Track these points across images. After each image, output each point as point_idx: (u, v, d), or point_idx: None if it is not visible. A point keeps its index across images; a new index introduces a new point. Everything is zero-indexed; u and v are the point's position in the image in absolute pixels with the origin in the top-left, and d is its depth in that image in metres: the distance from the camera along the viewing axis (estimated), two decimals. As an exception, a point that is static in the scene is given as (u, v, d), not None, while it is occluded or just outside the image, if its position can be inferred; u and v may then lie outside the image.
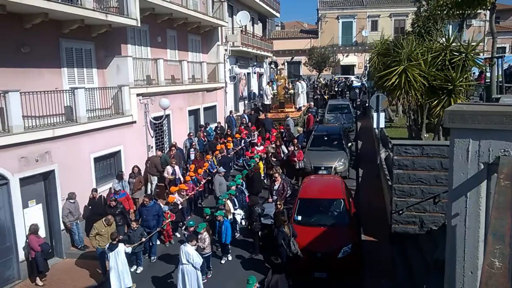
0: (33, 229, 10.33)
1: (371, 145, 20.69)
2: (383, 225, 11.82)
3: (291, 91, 26.23)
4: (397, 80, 12.52)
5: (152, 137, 16.36)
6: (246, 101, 29.05)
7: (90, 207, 12.20)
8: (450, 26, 29.32)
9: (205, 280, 9.99)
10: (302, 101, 25.53)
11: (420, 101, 13.47)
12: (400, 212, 10.75)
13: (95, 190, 12.29)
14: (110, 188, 13.20)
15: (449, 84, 12.08)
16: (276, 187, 13.09)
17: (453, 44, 12.63)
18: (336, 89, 36.10)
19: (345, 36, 48.02)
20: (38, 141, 10.78)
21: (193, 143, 17.37)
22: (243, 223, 12.57)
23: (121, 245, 9.56)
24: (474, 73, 16.52)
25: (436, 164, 10.28)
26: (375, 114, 16.56)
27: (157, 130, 16.97)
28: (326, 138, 18.19)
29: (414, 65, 12.45)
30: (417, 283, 8.62)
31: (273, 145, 17.57)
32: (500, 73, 16.41)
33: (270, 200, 12.90)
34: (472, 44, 12.47)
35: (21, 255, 10.50)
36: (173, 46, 19.41)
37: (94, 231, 10.32)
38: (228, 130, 20.73)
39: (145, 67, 16.30)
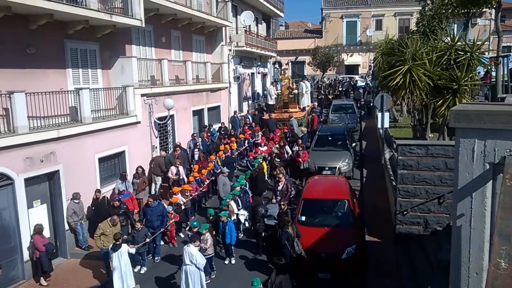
0: (38, 229, 10.37)
1: (375, 145, 20.62)
2: (387, 226, 11.78)
3: (295, 91, 26.21)
4: (402, 80, 12.47)
5: (156, 137, 16.40)
6: (250, 101, 29.05)
7: (93, 208, 12.23)
8: (455, 25, 29.21)
9: (209, 281, 9.99)
10: (306, 101, 25.50)
11: (425, 100, 13.41)
12: (405, 212, 10.70)
13: (98, 191, 12.32)
14: (114, 189, 13.23)
15: (454, 84, 12.01)
16: (280, 187, 13.07)
17: (458, 43, 12.55)
18: (340, 89, 36.03)
19: (350, 35, 47.88)
20: (43, 142, 10.82)
21: (197, 144, 17.38)
22: (247, 224, 12.55)
23: (124, 246, 9.58)
24: (479, 72, 16.41)
25: (441, 164, 10.23)
26: (379, 114, 16.50)
27: (161, 131, 17.00)
28: (330, 138, 18.15)
29: (419, 64, 12.39)
30: (421, 284, 8.57)
31: (277, 146, 17.54)
32: (505, 72, 16.30)
33: (274, 200, 12.87)
34: (478, 43, 12.39)
35: (26, 255, 10.55)
36: (177, 46, 19.44)
37: (99, 231, 10.35)
38: (232, 131, 20.73)
39: (150, 68, 16.33)
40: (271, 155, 16.59)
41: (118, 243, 9.51)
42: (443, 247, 8.38)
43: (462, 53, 12.27)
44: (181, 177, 14.63)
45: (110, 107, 13.85)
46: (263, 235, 11.45)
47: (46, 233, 11.01)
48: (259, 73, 32.15)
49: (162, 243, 11.96)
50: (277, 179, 13.41)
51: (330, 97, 32.17)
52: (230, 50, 24.05)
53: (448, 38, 13.28)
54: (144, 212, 11.66)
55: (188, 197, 12.99)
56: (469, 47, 12.24)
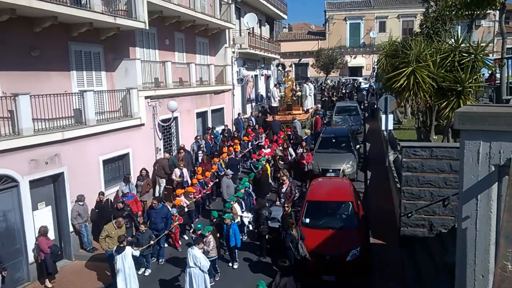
0: (43, 231, 10.41)
1: (379, 147, 20.56)
2: (391, 228, 11.73)
3: (299, 93, 26.19)
4: (406, 82, 12.43)
5: (160, 139, 16.43)
6: (254, 104, 29.07)
7: (96, 210, 12.25)
8: (459, 27, 29.08)
9: (213, 283, 9.99)
10: (309, 103, 25.48)
11: (429, 102, 13.36)
12: (409, 214, 10.66)
13: (102, 193, 12.35)
14: (118, 191, 13.24)
15: (458, 86, 11.97)
16: (283, 190, 13.05)
17: (462, 45, 12.51)
18: (344, 91, 35.99)
19: (353, 37, 47.88)
20: (48, 144, 10.87)
21: (201, 146, 17.39)
22: (251, 227, 12.52)
23: (128, 248, 9.58)
24: (483, 74, 16.37)
25: (445, 166, 10.19)
26: (383, 116, 16.47)
27: (165, 133, 17.03)
28: (334, 140, 18.11)
29: (422, 66, 12.36)
30: (426, 286, 8.54)
31: (281, 148, 17.52)
32: (510, 74, 16.25)
33: (278, 203, 12.85)
34: (482, 45, 12.35)
35: (31, 257, 10.59)
36: (181, 48, 19.49)
37: (104, 233, 10.36)
38: (235, 133, 20.72)
39: (153, 70, 16.37)
40: (275, 157, 16.56)
41: (122, 245, 9.52)
42: (449, 250, 8.34)
43: (466, 55, 12.23)
44: (185, 179, 14.64)
45: (114, 109, 13.90)
46: (266, 237, 11.42)
47: (51, 235, 11.05)
48: (262, 75, 32.17)
49: (166, 245, 11.95)
50: (281, 181, 13.39)
51: (334, 99, 32.11)
52: (233, 52, 24.09)
53: (452, 40, 13.22)
54: (149, 214, 11.66)
55: (191, 200, 12.99)
56: (473, 48, 12.20)
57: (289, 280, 8.09)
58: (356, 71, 48.14)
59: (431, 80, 12.28)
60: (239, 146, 18.16)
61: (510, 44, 33.11)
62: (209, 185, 14.55)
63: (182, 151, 16.07)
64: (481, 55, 12.15)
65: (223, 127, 21.30)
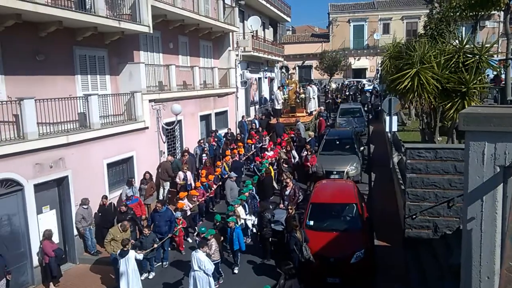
0: (47, 235, 10.44)
1: (383, 149, 20.51)
2: (396, 230, 11.69)
3: (302, 95, 26.19)
4: (410, 83, 12.41)
5: (164, 142, 16.46)
6: (257, 106, 29.09)
7: (100, 214, 12.27)
8: (463, 28, 29.08)
9: (217, 286, 9.96)
10: (313, 105, 25.46)
11: (433, 104, 13.33)
12: (414, 216, 10.62)
13: (105, 197, 12.36)
14: (121, 194, 13.27)
15: (463, 87, 11.94)
16: (287, 192, 13.02)
17: (467, 46, 12.48)
18: (347, 93, 35.95)
19: (357, 39, 47.84)
20: (52, 148, 10.91)
21: (205, 149, 17.41)
22: (254, 230, 12.48)
23: (131, 252, 9.58)
24: (488, 75, 16.30)
25: (450, 167, 10.15)
26: (387, 118, 16.44)
27: (169, 136, 17.07)
28: (338, 142, 18.10)
29: (427, 67, 12.33)
30: (431, 288, 8.49)
31: (284, 150, 17.50)
32: (515, 74, 16.15)
33: (282, 206, 12.82)
34: (486, 45, 12.31)
35: (35, 261, 10.61)
36: (185, 52, 19.56)
37: (110, 237, 10.36)
38: (239, 135, 20.71)
39: (157, 73, 16.44)
40: (279, 160, 16.55)
41: (125, 249, 9.52)
42: (453, 251, 8.30)
43: (471, 56, 12.19)
44: (188, 182, 14.65)
45: (118, 112, 13.95)
46: (270, 240, 11.39)
47: (55, 238, 11.08)
48: (266, 77, 32.21)
49: (169, 248, 11.93)
50: (284, 184, 13.37)
51: (338, 101, 32.09)
52: (237, 55, 24.14)
53: (457, 41, 13.20)
54: (152, 217, 11.68)
55: (195, 203, 12.99)
56: (477, 49, 12.16)
57: (294, 282, 8.06)
58: (360, 73, 48.08)
59: (435, 82, 12.26)
60: (243, 149, 18.15)
61: (514, 45, 32.88)
62: (213, 188, 14.54)
63: (186, 154, 16.10)
64: (486, 56, 12.11)
65: (226, 130, 21.30)
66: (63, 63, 12.35)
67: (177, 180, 14.77)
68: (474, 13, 18.98)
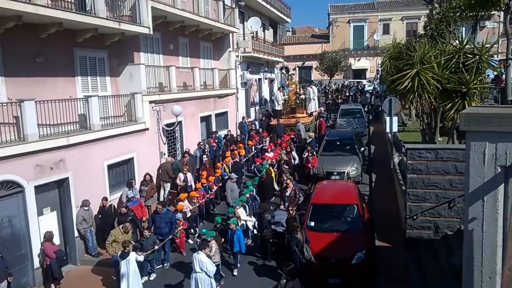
0: (48, 236, 10.44)
1: (384, 150, 20.50)
2: (397, 231, 11.68)
3: (302, 96, 26.18)
4: (410, 84, 12.42)
5: (165, 144, 16.46)
6: (257, 107, 29.10)
7: (100, 216, 12.25)
8: (463, 28, 29.10)
9: (218, 287, 9.95)
10: (313, 106, 25.45)
11: (434, 104, 13.33)
12: (415, 217, 10.61)
13: (105, 198, 12.34)
14: (121, 196, 13.26)
15: (463, 87, 11.94)
16: (287, 193, 13.00)
17: (467, 46, 12.49)
18: (347, 94, 35.96)
19: (357, 40, 47.86)
20: (53, 149, 10.92)
21: (206, 150, 17.40)
22: (255, 231, 12.47)
23: (132, 254, 9.57)
24: (488, 75, 16.30)
25: (450, 168, 10.14)
26: (388, 118, 16.43)
27: (170, 137, 17.07)
28: (338, 143, 18.09)
29: (427, 68, 12.34)
30: (433, 289, 8.48)
31: (284, 151, 17.49)
32: (515, 75, 16.17)
33: (282, 207, 12.81)
34: (486, 46, 12.31)
35: (36, 262, 10.61)
36: (185, 53, 19.56)
37: (111, 238, 10.35)
38: (239, 137, 20.69)
39: (158, 75, 16.45)
40: (279, 161, 16.53)
41: (126, 250, 9.52)
42: (454, 252, 8.29)
43: (471, 56, 12.20)
44: (189, 184, 14.64)
45: (118, 114, 13.95)
46: (271, 241, 11.38)
47: (56, 240, 11.07)
48: (266, 78, 32.21)
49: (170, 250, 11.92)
50: (285, 185, 13.35)
51: (339, 101, 32.09)
52: (237, 56, 24.14)
53: (457, 41, 13.21)
54: (153, 219, 11.67)
55: (195, 204, 12.97)
56: (477, 50, 12.17)
57: (296, 283, 8.06)
58: (360, 73, 48.10)
59: (436, 82, 12.26)
60: (243, 150, 18.14)
61: (515, 45, 32.89)
62: (213, 190, 14.53)
63: (186, 155, 16.10)
64: (486, 56, 12.11)
65: (226, 132, 21.23)
66: (64, 64, 12.35)
67: (177, 181, 14.76)
68: (474, 13, 19.00)
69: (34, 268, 10.57)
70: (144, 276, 10.52)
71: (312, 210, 11.27)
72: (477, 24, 20.07)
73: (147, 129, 15.00)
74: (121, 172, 14.11)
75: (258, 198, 13.54)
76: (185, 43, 19.47)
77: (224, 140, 19.98)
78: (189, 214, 12.65)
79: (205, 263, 8.92)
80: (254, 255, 11.61)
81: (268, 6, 30.18)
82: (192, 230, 13.14)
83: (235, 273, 10.84)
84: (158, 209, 11.50)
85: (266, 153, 17.66)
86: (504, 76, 17.59)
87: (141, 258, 9.85)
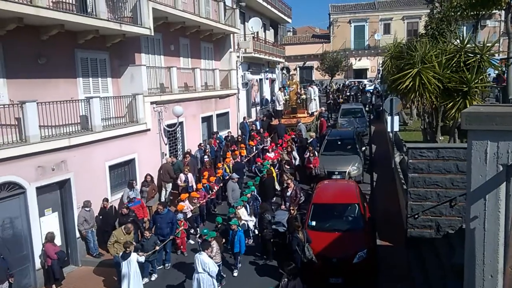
0: (49, 237, 10.46)
1: (385, 149, 20.50)
2: (398, 230, 11.68)
3: (303, 96, 26.18)
4: (411, 83, 12.40)
5: (166, 144, 16.48)
6: (259, 107, 29.10)
7: (100, 217, 12.25)
8: (464, 27, 29.05)
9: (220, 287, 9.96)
10: (314, 106, 25.45)
11: (435, 103, 13.31)
12: (416, 216, 10.61)
13: (106, 199, 12.34)
14: (122, 197, 13.28)
15: (464, 86, 11.91)
16: (288, 193, 13.00)
17: (468, 45, 12.46)
18: (348, 93, 35.95)
19: (358, 40, 47.86)
20: (54, 150, 10.93)
21: (207, 150, 17.41)
22: (257, 231, 12.47)
23: (133, 255, 9.59)
24: (489, 74, 16.29)
25: (452, 167, 10.14)
26: (389, 118, 16.42)
27: (171, 138, 17.09)
28: (339, 143, 18.08)
29: (428, 67, 12.32)
30: (433, 287, 8.47)
31: (285, 151, 17.48)
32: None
33: (283, 207, 12.81)
34: (487, 45, 12.30)
35: (38, 263, 10.63)
36: (186, 54, 19.58)
37: (113, 239, 10.35)
38: (239, 137, 20.67)
39: (159, 76, 16.46)
40: (281, 161, 16.53)
41: (127, 251, 9.53)
42: (456, 251, 8.29)
43: (472, 55, 12.18)
44: (190, 184, 14.64)
45: (120, 115, 13.97)
46: (272, 241, 11.38)
47: (58, 241, 11.09)
48: (267, 79, 32.22)
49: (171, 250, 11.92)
50: (286, 185, 13.35)
51: (340, 101, 32.09)
52: (238, 56, 24.16)
53: (458, 41, 13.18)
54: (154, 219, 11.67)
55: (196, 205, 12.97)
56: (479, 49, 12.15)
57: (297, 282, 8.07)
58: (361, 73, 48.09)
59: (437, 81, 12.24)
60: (244, 151, 18.14)
61: (516, 44, 32.80)
62: (214, 190, 14.53)
63: (187, 156, 16.11)
64: (487, 55, 12.09)
65: (226, 133, 21.20)
66: (65, 66, 12.38)
67: (178, 182, 14.77)
68: (475, 12, 18.99)
69: (35, 269, 10.59)
70: (145, 277, 10.52)
71: (313, 210, 11.27)
72: (478, 23, 20.08)
73: (149, 130, 15.02)
74: (122, 173, 14.12)
75: (259, 198, 13.54)
76: (186, 44, 19.49)
77: (225, 141, 19.98)
78: (189, 215, 12.65)
79: (207, 263, 8.92)
80: (255, 255, 11.62)
81: (269, 7, 30.19)
82: (193, 231, 13.14)
83: (235, 274, 10.83)
84: (159, 210, 11.51)
85: (267, 153, 17.66)
86: (505, 75, 17.57)
87: (142, 259, 9.85)
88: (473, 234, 4.50)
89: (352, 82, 42.62)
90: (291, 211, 10.91)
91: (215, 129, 20.67)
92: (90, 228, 11.84)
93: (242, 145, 18.71)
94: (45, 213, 11.08)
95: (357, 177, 16.01)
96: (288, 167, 16.70)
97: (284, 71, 37.23)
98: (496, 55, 16.15)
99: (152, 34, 14.70)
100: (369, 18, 47.46)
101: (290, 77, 31.33)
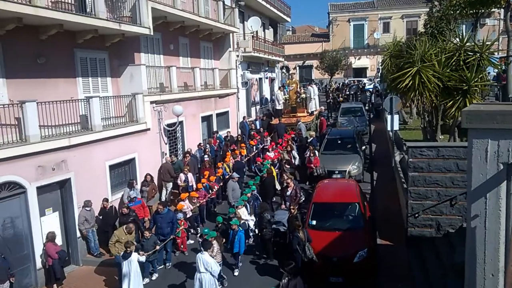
0: (50, 237, 10.46)
1: (385, 148, 20.50)
2: (398, 229, 11.68)
3: (303, 95, 26.18)
4: (411, 82, 12.40)
5: (166, 144, 16.48)
6: (258, 107, 29.10)
7: (100, 217, 12.24)
8: (464, 26, 29.04)
9: (221, 287, 9.96)
10: (314, 105, 25.44)
11: (435, 102, 13.32)
12: (416, 215, 10.61)
13: (105, 199, 12.32)
14: (122, 196, 13.27)
15: (464, 85, 11.92)
16: (288, 193, 12.99)
17: (467, 44, 12.46)
18: (348, 92, 35.95)
19: (357, 38, 47.86)
20: (55, 150, 10.93)
21: (207, 150, 17.40)
22: (257, 231, 12.47)
23: (134, 254, 9.59)
24: (489, 73, 16.30)
25: (452, 165, 10.14)
26: (389, 117, 16.42)
27: (171, 137, 17.08)
28: (339, 142, 18.07)
29: (427, 66, 12.32)
30: (433, 286, 8.48)
31: (285, 151, 17.47)
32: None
33: (283, 206, 12.80)
34: (487, 43, 12.30)
35: (38, 263, 10.64)
36: (186, 53, 19.57)
37: (114, 238, 10.34)
38: (239, 136, 20.67)
39: (158, 75, 16.46)
40: (281, 161, 16.52)
41: (128, 251, 9.53)
42: (456, 250, 8.29)
43: (472, 53, 12.18)
44: (190, 184, 14.63)
45: (120, 114, 13.97)
46: (272, 240, 11.38)
47: (58, 240, 11.09)
48: (267, 78, 32.21)
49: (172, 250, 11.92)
50: (285, 184, 13.34)
51: (340, 100, 32.09)
52: (237, 56, 24.14)
53: (457, 39, 13.17)
54: (154, 219, 11.67)
55: (195, 204, 12.96)
56: (478, 47, 12.15)
57: (298, 281, 8.07)
58: (360, 72, 48.08)
59: (437, 80, 12.24)
60: (245, 150, 18.13)
61: (515, 42, 32.78)
62: (214, 189, 14.52)
63: (187, 155, 16.10)
64: (487, 54, 12.09)
65: (226, 133, 21.17)
66: (64, 65, 12.36)
67: (178, 181, 14.77)
68: (474, 11, 19.00)
69: (36, 268, 10.59)
70: (145, 277, 10.52)
71: (313, 209, 11.27)
72: (477, 22, 20.07)
73: (148, 129, 15.01)
74: (122, 172, 14.12)
75: (260, 197, 13.53)
76: (186, 43, 19.48)
77: (224, 141, 19.97)
78: (189, 214, 12.65)
79: (210, 263, 8.93)
80: (255, 255, 11.62)
81: (268, 6, 30.17)
82: (193, 230, 13.15)
83: (236, 273, 10.84)
84: (159, 210, 11.50)
85: (267, 153, 17.66)
86: (505, 73, 17.57)
87: (143, 258, 9.85)
88: (474, 232, 4.50)
89: (352, 81, 42.61)
90: (292, 210, 10.91)
91: (215, 129, 20.67)
92: (90, 227, 11.85)
93: (242, 145, 18.70)
94: (46, 213, 11.08)
95: (357, 176, 16.01)
96: (288, 166, 16.70)
97: (284, 70, 37.23)
98: (496, 53, 16.16)
99: (152, 33, 14.69)
100: (369, 17, 47.44)
101: (290, 76, 31.36)
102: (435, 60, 12.41)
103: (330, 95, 33.24)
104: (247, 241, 11.47)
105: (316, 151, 16.67)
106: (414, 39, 15.43)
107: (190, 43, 19.81)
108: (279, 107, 25.15)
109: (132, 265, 9.48)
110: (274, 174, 15.20)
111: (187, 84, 18.50)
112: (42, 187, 10.73)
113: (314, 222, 10.92)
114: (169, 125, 16.34)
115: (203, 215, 13.94)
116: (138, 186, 13.88)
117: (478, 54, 11.95)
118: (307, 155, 16.38)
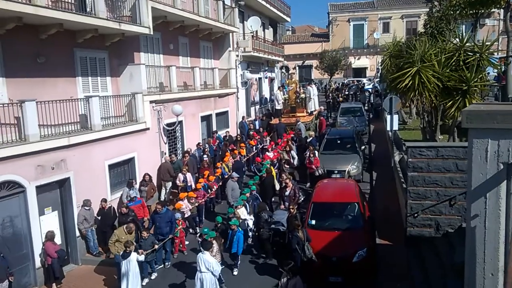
0: (50, 236, 10.46)
1: (384, 148, 20.51)
2: (398, 229, 11.69)
3: (303, 95, 26.16)
4: (411, 82, 12.41)
5: (165, 143, 16.47)
6: (258, 106, 29.09)
7: (99, 218, 12.22)
8: (463, 26, 29.07)
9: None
10: (313, 105, 25.43)
11: (434, 102, 13.32)
12: (416, 215, 10.61)
13: (104, 200, 12.30)
14: (121, 196, 13.25)
15: (464, 85, 11.92)
16: (287, 193, 12.99)
17: (467, 44, 12.47)
18: (347, 92, 35.96)
19: (357, 38, 47.88)
20: (54, 149, 10.93)
21: (206, 149, 17.39)
22: (255, 230, 12.46)
23: (133, 254, 9.58)
24: (488, 73, 16.33)
25: (451, 166, 10.15)
26: (388, 117, 16.43)
27: (170, 137, 17.08)
28: (339, 142, 18.07)
29: (427, 66, 12.32)
30: (433, 286, 8.49)
31: (284, 151, 17.46)
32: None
33: (282, 206, 12.80)
34: (487, 43, 12.31)
35: (38, 262, 10.63)
36: (185, 53, 19.56)
37: (114, 238, 10.33)
38: (238, 136, 20.65)
39: (158, 75, 16.45)
40: (280, 160, 16.51)
41: (128, 250, 9.52)
42: (456, 250, 8.30)
43: (471, 54, 12.19)
44: (188, 184, 14.62)
45: (119, 114, 13.96)
46: (271, 240, 11.37)
47: (58, 240, 11.09)
48: (266, 77, 32.20)
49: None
50: (284, 184, 13.33)
51: (339, 100, 32.09)
52: (237, 55, 24.14)
53: (457, 39, 13.18)
54: (153, 219, 11.65)
55: (194, 204, 12.95)
56: (478, 47, 12.16)
57: (297, 281, 8.08)
58: (360, 72, 48.10)
59: (436, 80, 12.25)
60: (244, 150, 18.11)
61: (515, 43, 32.79)
62: (213, 189, 14.50)
63: (187, 155, 16.09)
64: (486, 54, 12.10)
65: (225, 133, 21.15)
66: (64, 65, 12.35)
67: (177, 181, 14.75)
68: (474, 11, 19.01)
69: (35, 267, 10.59)
70: (144, 277, 10.51)
71: (313, 209, 11.27)
72: (477, 22, 20.08)
73: (148, 129, 15.01)
74: (122, 171, 14.12)
75: (259, 197, 13.52)
76: (185, 43, 19.47)
77: (224, 140, 19.95)
78: (188, 214, 12.63)
79: (211, 263, 8.93)
80: (254, 254, 11.62)
81: (268, 6, 30.17)
82: (192, 230, 13.13)
83: (235, 273, 10.83)
84: (157, 209, 11.48)
85: (267, 153, 17.64)
86: (504, 74, 17.58)
87: (142, 258, 9.85)
88: (474, 232, 4.51)
89: (351, 81, 42.62)
90: (291, 210, 10.91)
91: (214, 128, 20.66)
92: (90, 227, 11.84)
93: (242, 145, 18.68)
94: (45, 212, 11.07)
95: (356, 176, 16.02)
96: (288, 166, 16.69)
97: (283, 70, 37.19)
98: (495, 54, 16.17)
99: (151, 33, 14.68)
100: (368, 17, 47.47)
101: (289, 76, 31.27)
102: (435, 60, 12.41)
103: (330, 95, 33.24)
104: (246, 241, 11.45)
105: (315, 151, 16.66)
106: (414, 39, 15.43)
107: (189, 43, 19.81)
108: (278, 107, 25.14)
109: (131, 264, 9.48)
110: (274, 174, 15.18)
111: (187, 84, 18.49)
112: (41, 186, 10.72)
113: (313, 222, 10.93)
114: (168, 125, 16.34)
115: (201, 215, 13.92)
116: (138, 186, 13.86)
117: (478, 55, 11.96)
118: (307, 155, 16.36)
